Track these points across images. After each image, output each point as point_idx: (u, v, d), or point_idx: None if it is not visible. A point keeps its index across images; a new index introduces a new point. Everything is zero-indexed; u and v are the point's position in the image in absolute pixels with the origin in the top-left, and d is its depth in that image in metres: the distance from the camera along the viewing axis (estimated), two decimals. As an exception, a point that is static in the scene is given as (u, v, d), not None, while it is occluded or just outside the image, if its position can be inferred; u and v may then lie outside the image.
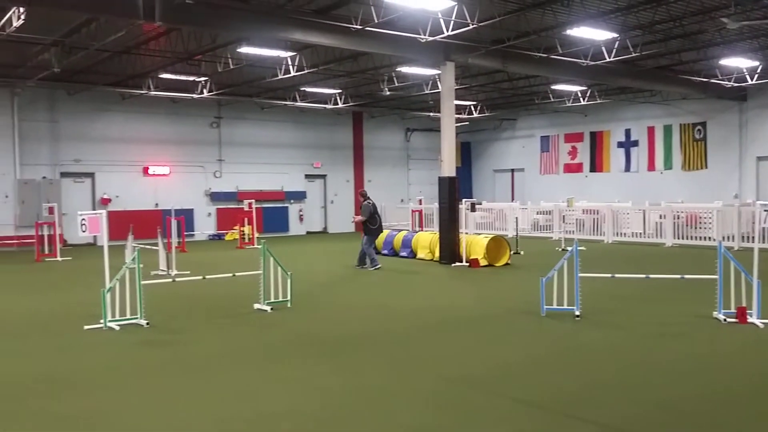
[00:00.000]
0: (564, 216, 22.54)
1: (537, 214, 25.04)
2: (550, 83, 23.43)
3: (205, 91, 22.39)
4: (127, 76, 20.58)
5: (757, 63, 19.69)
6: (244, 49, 16.56)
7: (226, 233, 24.86)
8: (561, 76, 20.77)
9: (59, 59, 16.90)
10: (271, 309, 10.23)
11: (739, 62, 19.56)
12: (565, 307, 9.43)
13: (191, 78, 20.89)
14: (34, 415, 5.66)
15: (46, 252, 18.52)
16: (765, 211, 9.29)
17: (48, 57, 16.97)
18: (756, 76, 20.73)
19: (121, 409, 5.79)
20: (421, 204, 26.57)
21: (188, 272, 13.81)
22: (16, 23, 12.68)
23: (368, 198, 15.79)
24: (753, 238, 13.99)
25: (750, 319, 8.74)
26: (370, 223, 15.49)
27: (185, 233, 21.13)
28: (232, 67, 18.45)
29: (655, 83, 22.07)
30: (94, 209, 20.47)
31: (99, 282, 9.57)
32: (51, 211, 18.98)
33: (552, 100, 26.28)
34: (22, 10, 12.33)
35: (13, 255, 19.83)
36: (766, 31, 16.35)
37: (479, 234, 18.48)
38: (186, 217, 21.62)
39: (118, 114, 23.84)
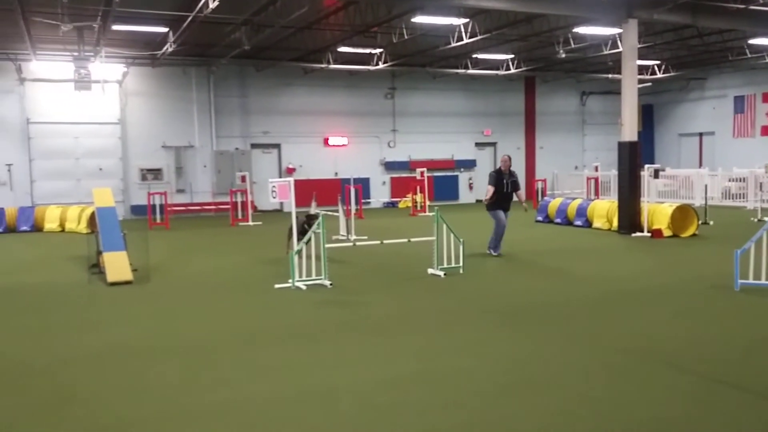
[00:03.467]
0: (761, 183, 20.58)
1: (729, 181, 23.09)
2: (747, 37, 21.27)
3: (380, 62, 22.98)
4: (309, 51, 21.65)
5: None
6: (418, 18, 16.72)
7: (400, 201, 25.60)
8: (760, 29, 18.78)
9: (249, 37, 18.16)
10: (444, 274, 10.45)
11: None
12: (763, 281, 8.69)
13: (367, 50, 21.52)
14: (237, 364, 6.29)
15: (239, 217, 20.19)
16: None
17: (239, 36, 18.29)
18: None
19: (312, 362, 6.28)
20: (597, 171, 25.50)
21: (366, 237, 14.43)
22: (212, 5, 13.78)
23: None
24: None
25: None
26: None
27: (362, 201, 22.03)
28: (406, 37, 18.74)
29: None
30: (280, 178, 21.90)
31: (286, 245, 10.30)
32: (243, 179, 20.68)
33: (749, 56, 23.83)
34: (217, -8, 13.38)
35: (212, 220, 21.87)
36: None
37: (662, 203, 17.42)
38: (363, 186, 22.49)
39: (300, 88, 25.19)
